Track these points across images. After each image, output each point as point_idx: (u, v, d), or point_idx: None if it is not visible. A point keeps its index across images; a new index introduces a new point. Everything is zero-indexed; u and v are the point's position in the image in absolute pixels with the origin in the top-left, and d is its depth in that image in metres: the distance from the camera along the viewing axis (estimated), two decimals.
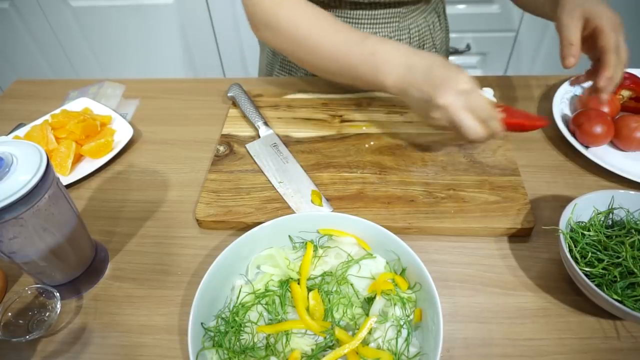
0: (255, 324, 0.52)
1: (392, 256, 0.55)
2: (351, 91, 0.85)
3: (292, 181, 0.69)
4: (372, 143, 0.75)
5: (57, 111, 0.83)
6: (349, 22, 0.85)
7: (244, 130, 0.79)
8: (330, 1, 0.82)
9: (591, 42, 0.63)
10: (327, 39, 0.65)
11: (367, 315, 0.52)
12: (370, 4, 0.81)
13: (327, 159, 0.72)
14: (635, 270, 0.51)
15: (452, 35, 1.19)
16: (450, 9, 1.17)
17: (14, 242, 0.48)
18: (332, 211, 0.64)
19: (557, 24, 0.64)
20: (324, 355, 0.48)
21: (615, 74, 0.62)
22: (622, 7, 1.59)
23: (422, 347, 0.49)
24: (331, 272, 0.56)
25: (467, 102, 0.57)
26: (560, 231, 0.54)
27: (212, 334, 0.51)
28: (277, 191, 0.68)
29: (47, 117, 0.82)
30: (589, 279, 0.51)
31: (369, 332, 0.50)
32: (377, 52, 0.62)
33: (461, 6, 1.61)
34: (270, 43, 0.73)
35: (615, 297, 0.49)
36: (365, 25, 0.85)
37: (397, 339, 0.49)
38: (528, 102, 0.83)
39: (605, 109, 0.73)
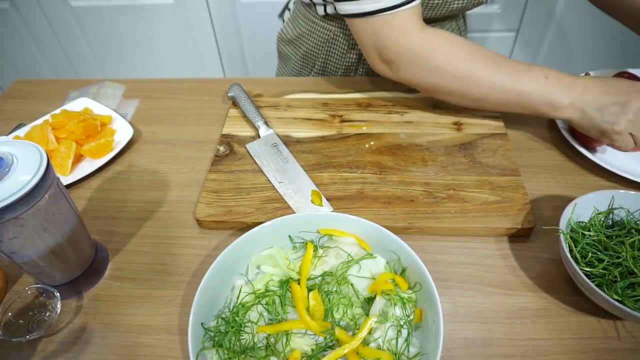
0: (256, 324, 0.52)
1: (392, 256, 0.55)
2: (351, 91, 0.85)
3: (292, 181, 0.69)
4: (372, 143, 0.75)
5: (57, 111, 0.83)
6: None
7: (244, 130, 0.79)
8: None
9: None
10: (493, 73, 0.67)
11: (367, 315, 0.52)
12: (429, 20, 0.82)
13: (327, 159, 0.72)
14: (636, 270, 0.51)
15: None
16: None
17: (14, 242, 0.48)
18: (332, 211, 0.64)
19: None
20: (324, 355, 0.48)
21: None
22: None
23: (422, 347, 0.49)
24: (331, 272, 0.56)
25: None
26: (560, 231, 0.54)
27: (212, 334, 0.51)
28: (277, 191, 0.68)
29: (47, 117, 0.82)
30: (589, 279, 0.51)
31: (369, 332, 0.50)
32: (550, 77, 0.65)
33: None
34: (412, 80, 0.71)
35: (616, 297, 0.49)
36: None
37: (397, 339, 0.49)
38: None
39: None
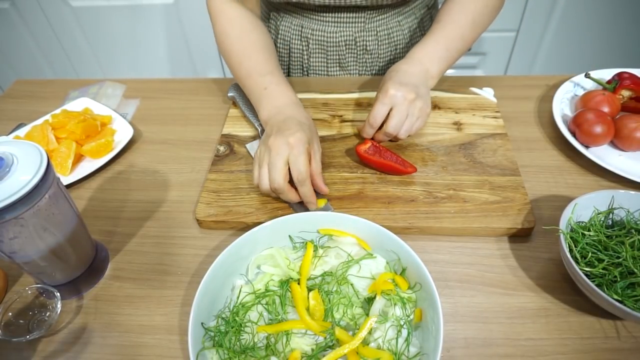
0: (256, 324, 0.52)
1: (392, 256, 0.55)
2: (351, 91, 0.85)
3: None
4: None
5: (58, 111, 0.83)
6: (315, 22, 0.87)
7: (244, 130, 0.79)
8: (296, 2, 0.83)
9: None
10: (240, 64, 0.76)
11: (367, 315, 0.52)
12: (334, 7, 0.83)
13: (327, 159, 0.72)
14: (636, 270, 0.51)
15: None
16: None
17: (14, 242, 0.48)
18: (332, 211, 0.64)
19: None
20: (324, 355, 0.48)
21: (364, 133, 0.71)
22: (621, 7, 1.59)
23: (422, 347, 0.49)
24: (331, 272, 0.56)
25: (289, 155, 0.61)
26: (560, 231, 0.54)
27: (212, 334, 0.51)
28: None
29: (48, 117, 0.82)
30: (589, 279, 0.51)
31: (369, 332, 0.50)
32: (268, 89, 0.72)
33: None
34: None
35: (616, 297, 0.49)
36: (330, 25, 0.86)
37: (397, 339, 0.49)
38: (528, 102, 0.83)
39: (605, 109, 0.73)
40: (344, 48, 0.90)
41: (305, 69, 0.95)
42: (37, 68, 1.95)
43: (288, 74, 0.98)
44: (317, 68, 0.94)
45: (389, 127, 0.67)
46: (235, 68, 0.77)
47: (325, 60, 0.92)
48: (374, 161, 0.68)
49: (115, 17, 1.73)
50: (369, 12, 0.85)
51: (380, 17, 0.86)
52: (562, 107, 0.79)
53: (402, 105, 0.66)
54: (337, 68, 0.94)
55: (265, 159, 0.62)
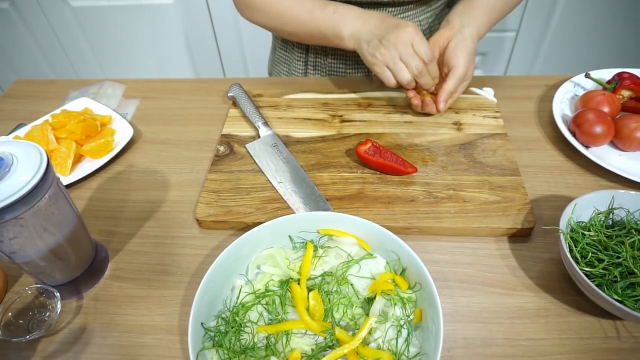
0: (256, 324, 0.52)
1: (392, 256, 0.55)
2: (351, 91, 0.85)
3: (292, 181, 0.69)
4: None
5: (57, 111, 0.83)
6: None
7: (244, 130, 0.79)
8: None
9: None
10: (298, 10, 0.77)
11: (367, 315, 0.52)
12: (355, 3, 0.83)
13: (327, 159, 0.72)
14: (636, 270, 0.51)
15: None
16: None
17: (14, 242, 0.48)
18: (332, 211, 0.64)
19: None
20: (324, 355, 0.48)
21: (429, 108, 0.75)
22: (621, 7, 1.59)
23: (422, 347, 0.49)
24: (331, 272, 0.56)
25: (412, 41, 0.68)
26: (560, 231, 0.54)
27: (212, 334, 0.51)
28: (277, 191, 0.68)
29: (47, 117, 0.82)
30: (589, 279, 0.51)
31: (369, 332, 0.50)
32: (337, 11, 0.74)
33: None
34: (253, 21, 0.84)
35: (616, 297, 0.49)
36: None
37: (397, 339, 0.49)
38: (528, 102, 0.83)
39: (605, 109, 0.73)
40: None
41: (322, 66, 0.95)
42: (37, 68, 1.95)
43: (305, 72, 0.97)
44: (334, 65, 0.94)
45: (446, 104, 0.73)
46: (294, 16, 0.78)
47: (344, 57, 0.92)
48: (374, 161, 0.68)
49: (115, 17, 1.73)
50: (390, 10, 0.85)
51: (401, 15, 0.86)
52: (562, 107, 0.79)
53: (468, 82, 0.73)
54: (355, 65, 0.93)
55: (394, 55, 0.68)
